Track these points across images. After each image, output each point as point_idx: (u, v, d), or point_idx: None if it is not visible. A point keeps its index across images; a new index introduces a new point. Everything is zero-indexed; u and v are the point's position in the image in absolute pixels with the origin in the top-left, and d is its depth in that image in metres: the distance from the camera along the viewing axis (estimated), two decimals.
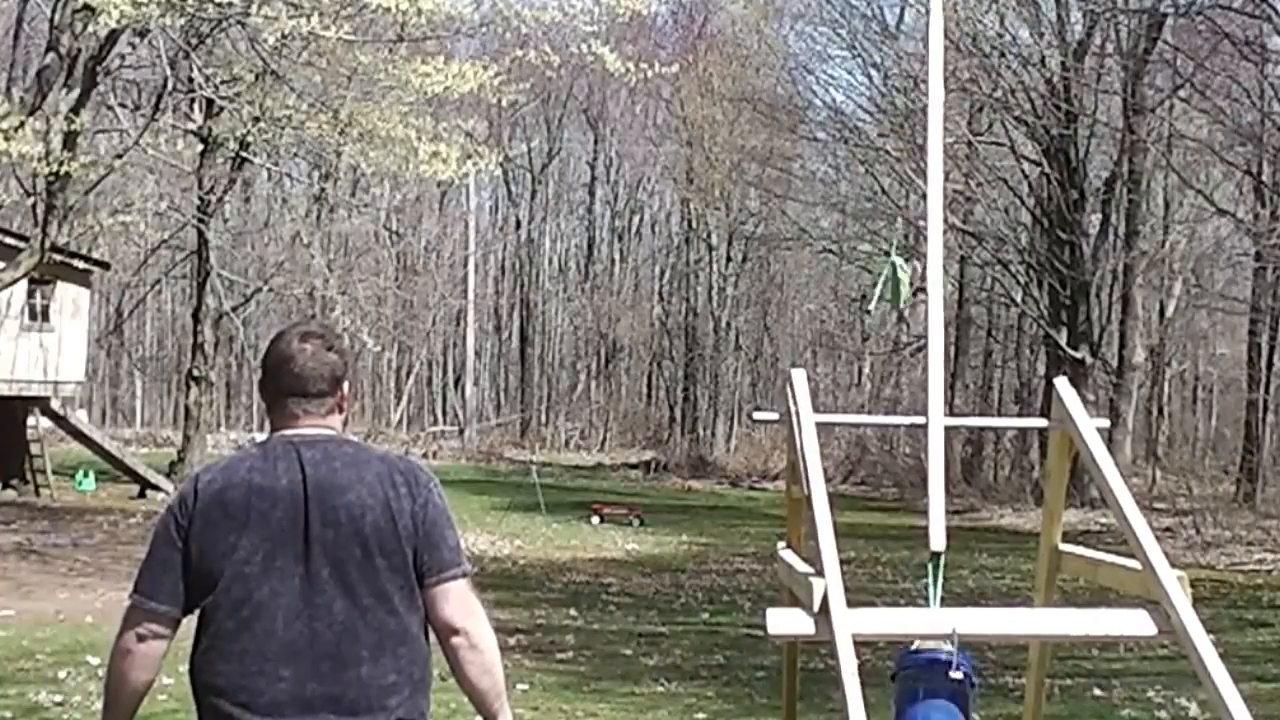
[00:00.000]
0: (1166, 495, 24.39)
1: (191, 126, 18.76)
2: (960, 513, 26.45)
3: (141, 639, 2.83)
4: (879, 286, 4.69)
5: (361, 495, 2.78)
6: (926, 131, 4.31)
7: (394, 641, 2.77)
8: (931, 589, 4.08)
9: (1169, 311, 31.93)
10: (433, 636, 2.88)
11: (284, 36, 13.42)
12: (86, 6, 13.26)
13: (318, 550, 2.76)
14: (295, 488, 2.78)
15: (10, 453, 22.87)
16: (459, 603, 2.83)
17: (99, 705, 8.52)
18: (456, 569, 2.84)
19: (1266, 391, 27.93)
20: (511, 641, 10.78)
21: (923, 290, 4.39)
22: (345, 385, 2.96)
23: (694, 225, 47.16)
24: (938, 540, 4.05)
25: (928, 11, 4.30)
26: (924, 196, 4.37)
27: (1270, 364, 28.28)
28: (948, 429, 4.34)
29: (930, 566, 4.09)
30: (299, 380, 2.89)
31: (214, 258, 25.60)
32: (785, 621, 3.80)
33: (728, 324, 45.93)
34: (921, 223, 31.40)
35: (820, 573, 3.78)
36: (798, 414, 4.35)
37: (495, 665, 2.87)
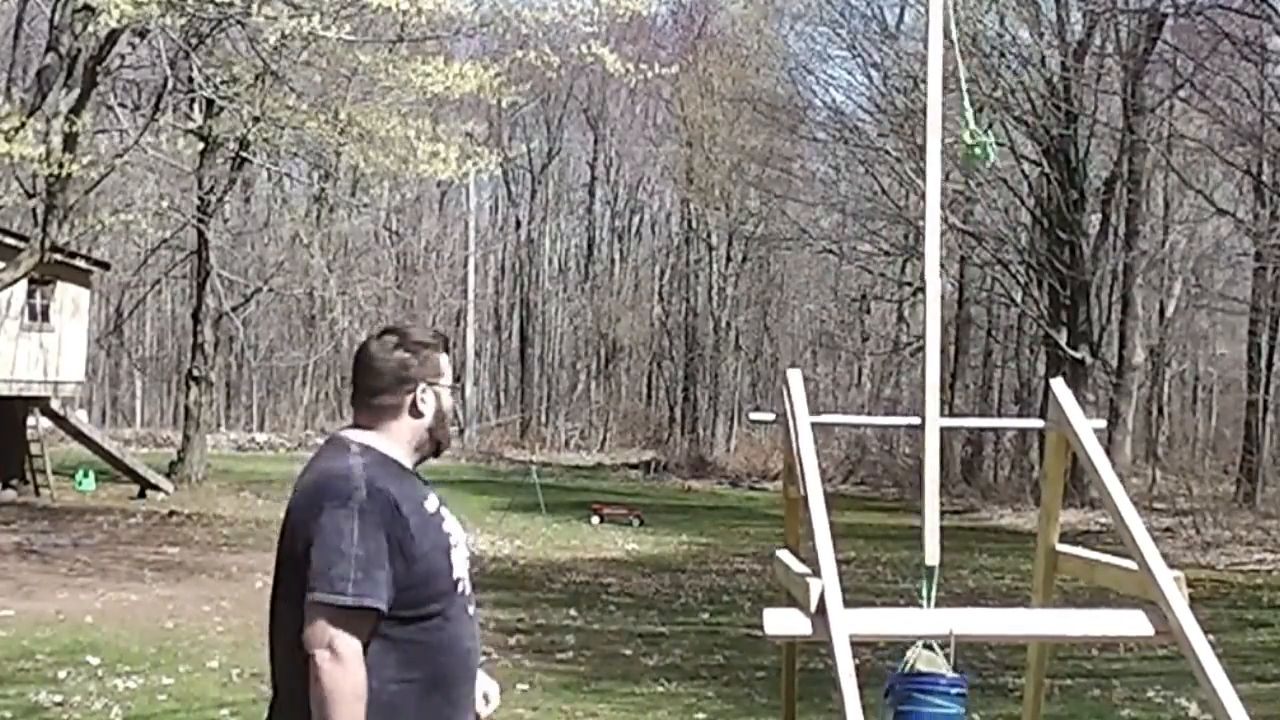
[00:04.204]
0: (1166, 495, 24.39)
1: (191, 126, 18.74)
2: (960, 513, 26.45)
3: None
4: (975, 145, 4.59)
5: (295, 504, 2.87)
6: (925, 131, 4.32)
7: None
8: (926, 601, 4.11)
9: (1169, 311, 31.93)
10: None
11: (284, 36, 13.42)
12: (86, 6, 13.27)
13: (282, 547, 2.92)
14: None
15: (10, 453, 22.87)
16: (309, 629, 2.72)
17: (99, 705, 8.56)
18: (310, 593, 2.71)
19: (1266, 391, 27.92)
20: (511, 641, 10.80)
21: (921, 288, 4.37)
22: (413, 386, 2.94)
23: (694, 225, 47.16)
24: (932, 555, 4.10)
25: (927, 11, 4.30)
26: (924, 196, 4.38)
27: (1270, 364, 28.28)
28: (948, 429, 4.35)
29: (924, 579, 4.13)
30: (361, 377, 2.99)
31: (214, 258, 25.62)
32: (782, 622, 3.81)
33: (728, 324, 45.91)
34: (921, 222, 31.26)
35: (817, 573, 3.79)
36: (794, 415, 4.35)
37: (330, 705, 2.67)
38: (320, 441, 3.18)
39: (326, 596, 2.69)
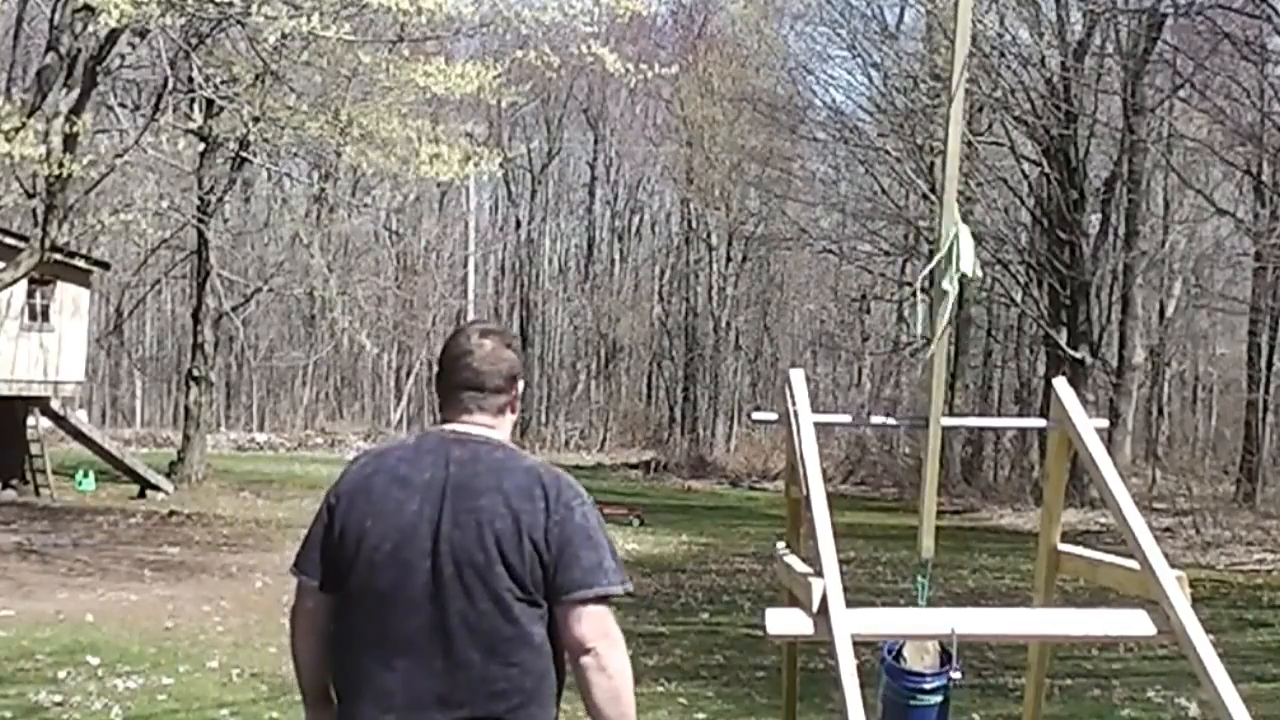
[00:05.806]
0: (1166, 495, 24.36)
1: (191, 126, 18.72)
2: (960, 513, 26.45)
3: (302, 609, 2.96)
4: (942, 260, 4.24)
5: (494, 502, 2.79)
6: (946, 132, 4.31)
7: (507, 649, 2.77)
8: (920, 596, 4.12)
9: (1169, 311, 31.94)
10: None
11: (284, 36, 13.40)
12: (86, 6, 13.25)
13: (445, 549, 2.77)
14: (435, 484, 2.82)
15: (10, 453, 22.86)
16: (588, 623, 2.77)
17: (99, 705, 8.55)
18: (587, 590, 2.77)
19: (1266, 391, 27.92)
20: None
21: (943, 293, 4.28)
22: (519, 385, 3.00)
23: (694, 225, 47.18)
24: (927, 548, 4.12)
25: (956, 8, 4.28)
26: (924, 196, 4.38)
27: (1270, 364, 28.27)
28: (948, 429, 4.34)
29: (919, 574, 4.14)
30: (475, 375, 2.94)
31: (214, 258, 25.62)
32: (784, 622, 3.81)
33: (728, 324, 45.93)
34: (922, 223, 31.44)
35: (819, 573, 3.79)
36: (796, 415, 4.35)
37: (624, 692, 2.80)
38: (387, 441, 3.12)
39: (608, 589, 2.79)
